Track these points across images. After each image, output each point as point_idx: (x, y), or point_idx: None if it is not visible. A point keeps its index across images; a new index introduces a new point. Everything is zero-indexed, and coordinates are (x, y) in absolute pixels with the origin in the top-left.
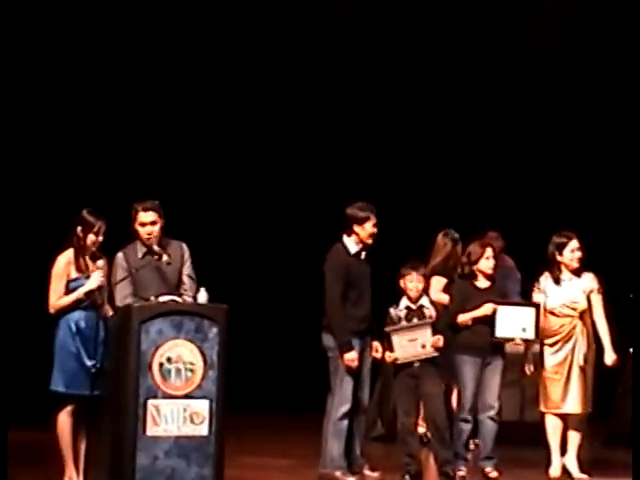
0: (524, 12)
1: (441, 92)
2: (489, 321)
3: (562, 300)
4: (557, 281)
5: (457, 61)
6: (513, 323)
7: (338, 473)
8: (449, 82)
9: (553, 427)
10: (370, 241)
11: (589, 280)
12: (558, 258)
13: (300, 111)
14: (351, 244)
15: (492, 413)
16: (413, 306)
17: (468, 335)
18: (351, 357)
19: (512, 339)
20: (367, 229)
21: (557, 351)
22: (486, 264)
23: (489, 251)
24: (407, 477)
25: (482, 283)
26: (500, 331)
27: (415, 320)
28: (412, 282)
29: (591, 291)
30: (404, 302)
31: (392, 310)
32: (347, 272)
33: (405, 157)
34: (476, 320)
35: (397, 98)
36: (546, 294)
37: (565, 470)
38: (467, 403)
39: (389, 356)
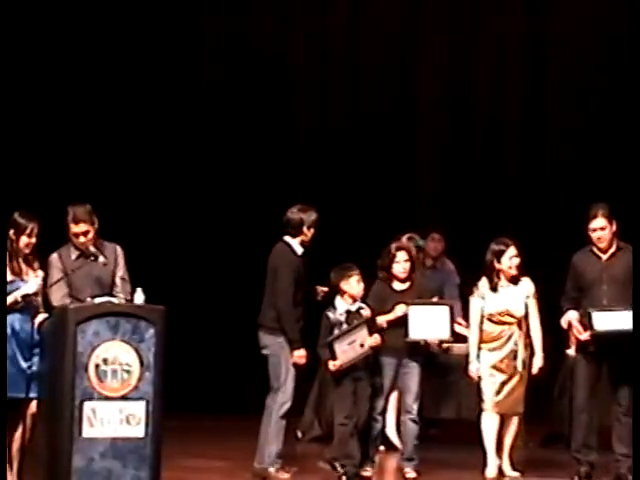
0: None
1: (382, 96)
2: (405, 323)
3: (500, 307)
4: (495, 288)
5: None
6: (427, 323)
7: (272, 469)
8: (390, 91)
9: (490, 427)
10: (308, 244)
11: (527, 285)
12: (496, 265)
13: (238, 110)
14: (296, 245)
15: (412, 415)
16: (352, 308)
17: (384, 337)
18: (301, 354)
19: (426, 339)
20: (312, 232)
21: (495, 354)
22: (398, 268)
23: (401, 255)
24: (344, 478)
25: (399, 285)
26: (414, 332)
27: (355, 323)
28: (360, 283)
29: (528, 296)
30: (342, 305)
31: (331, 314)
32: (297, 272)
33: (345, 159)
34: (392, 322)
35: (337, 101)
36: (484, 299)
37: (499, 469)
38: (379, 404)
39: (334, 365)
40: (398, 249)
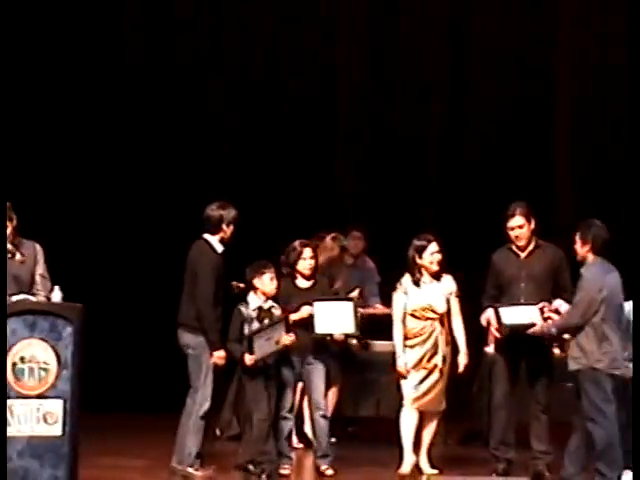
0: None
1: (303, 96)
2: (310, 322)
3: (422, 302)
4: (417, 283)
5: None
6: (332, 318)
7: (191, 469)
8: (311, 91)
9: (408, 424)
10: (228, 241)
11: (449, 283)
12: (418, 261)
13: (156, 104)
14: (216, 243)
15: (322, 412)
16: (264, 305)
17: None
18: (221, 355)
19: (332, 334)
20: (231, 229)
21: (416, 350)
22: (304, 264)
23: (307, 251)
24: (264, 476)
25: (303, 283)
26: (319, 327)
27: (267, 320)
28: (273, 281)
29: (450, 293)
30: (255, 301)
31: (243, 309)
32: (217, 270)
33: (265, 157)
34: (296, 321)
35: (258, 99)
36: (407, 295)
37: (417, 467)
38: (287, 402)
39: (250, 359)
40: (303, 246)
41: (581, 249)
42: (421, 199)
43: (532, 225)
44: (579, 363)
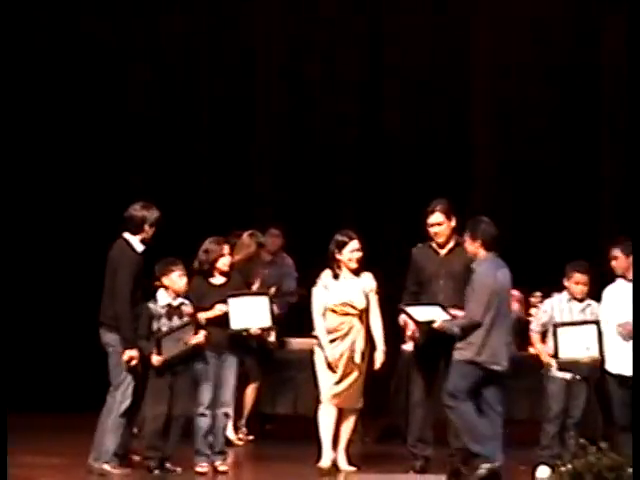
0: None
1: (220, 95)
2: (225, 319)
3: (342, 298)
4: (337, 278)
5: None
6: (247, 313)
7: (107, 466)
8: (231, 91)
9: (326, 420)
10: (149, 241)
11: (368, 280)
12: (337, 256)
13: (74, 101)
14: (137, 243)
15: (227, 409)
16: (174, 303)
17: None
18: (132, 354)
19: (248, 329)
20: (153, 230)
21: (335, 347)
22: (223, 261)
23: (226, 249)
24: (156, 472)
25: (217, 280)
26: (235, 322)
27: (176, 318)
28: (182, 278)
29: (370, 290)
30: (164, 298)
31: (152, 306)
32: (137, 270)
33: (184, 157)
34: (210, 319)
35: (175, 97)
36: (327, 290)
37: (334, 464)
38: (204, 398)
39: (157, 360)
40: (222, 243)
41: (471, 246)
42: (341, 196)
43: (452, 223)
44: (462, 354)
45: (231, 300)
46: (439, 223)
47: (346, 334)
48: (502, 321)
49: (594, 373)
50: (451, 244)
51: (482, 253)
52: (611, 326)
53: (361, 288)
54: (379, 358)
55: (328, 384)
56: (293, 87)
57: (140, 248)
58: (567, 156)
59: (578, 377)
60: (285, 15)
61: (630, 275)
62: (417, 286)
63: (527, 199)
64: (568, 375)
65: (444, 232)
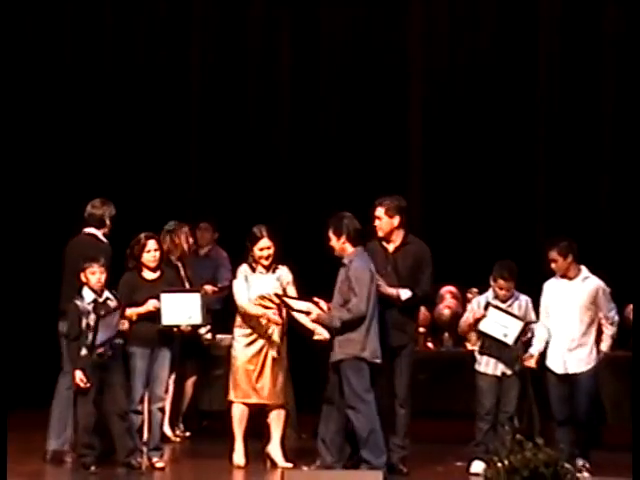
0: None
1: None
2: (157, 314)
3: (259, 292)
4: (254, 272)
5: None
6: (179, 310)
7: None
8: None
9: (239, 416)
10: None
11: (285, 273)
12: (251, 250)
13: (29, 98)
14: (102, 237)
15: (161, 404)
16: (100, 298)
17: (135, 328)
18: None
19: (179, 325)
20: (110, 226)
21: (252, 342)
22: (148, 257)
23: (151, 244)
24: (93, 468)
25: (149, 274)
26: (166, 319)
27: (102, 312)
28: (95, 274)
29: (287, 283)
30: (89, 295)
31: (79, 303)
32: (109, 261)
33: (124, 150)
34: (142, 314)
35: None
36: (247, 285)
37: (270, 459)
38: (137, 395)
39: (84, 354)
40: (148, 238)
41: (337, 242)
42: (273, 190)
43: (395, 220)
44: (344, 353)
45: (164, 296)
46: (378, 217)
47: (264, 329)
48: (376, 314)
49: (509, 360)
50: (399, 242)
51: (350, 248)
52: (553, 320)
53: (277, 282)
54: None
55: (244, 380)
56: (228, 84)
57: (106, 241)
58: (503, 153)
59: (508, 372)
60: None
61: (571, 274)
62: None
63: (464, 196)
64: (498, 371)
65: (383, 228)
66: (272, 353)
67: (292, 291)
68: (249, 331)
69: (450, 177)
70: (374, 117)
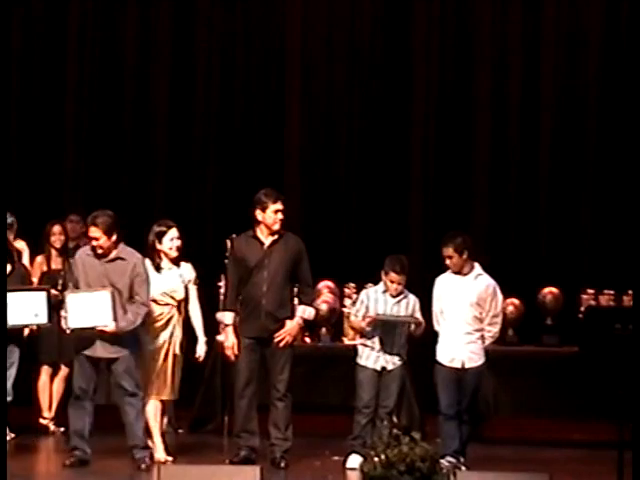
0: None
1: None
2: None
3: (162, 288)
4: (157, 269)
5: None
6: (25, 308)
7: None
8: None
9: (154, 412)
10: None
11: (188, 270)
12: (158, 246)
13: None
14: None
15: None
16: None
17: None
18: None
19: (26, 325)
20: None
21: (155, 337)
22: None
23: None
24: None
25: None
26: (12, 318)
27: None
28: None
29: (189, 281)
30: None
31: None
32: None
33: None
34: None
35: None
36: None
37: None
38: None
39: None
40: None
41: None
42: (151, 185)
43: (263, 215)
44: None
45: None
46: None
47: (166, 324)
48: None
49: (397, 343)
50: (275, 236)
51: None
52: (444, 315)
53: (181, 278)
54: (201, 350)
55: (153, 376)
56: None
57: None
58: (379, 149)
59: (389, 367)
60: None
61: (465, 270)
62: (239, 275)
63: (339, 193)
64: (378, 365)
65: (260, 222)
66: (174, 349)
67: (193, 289)
68: (153, 327)
69: (327, 174)
70: (252, 115)
